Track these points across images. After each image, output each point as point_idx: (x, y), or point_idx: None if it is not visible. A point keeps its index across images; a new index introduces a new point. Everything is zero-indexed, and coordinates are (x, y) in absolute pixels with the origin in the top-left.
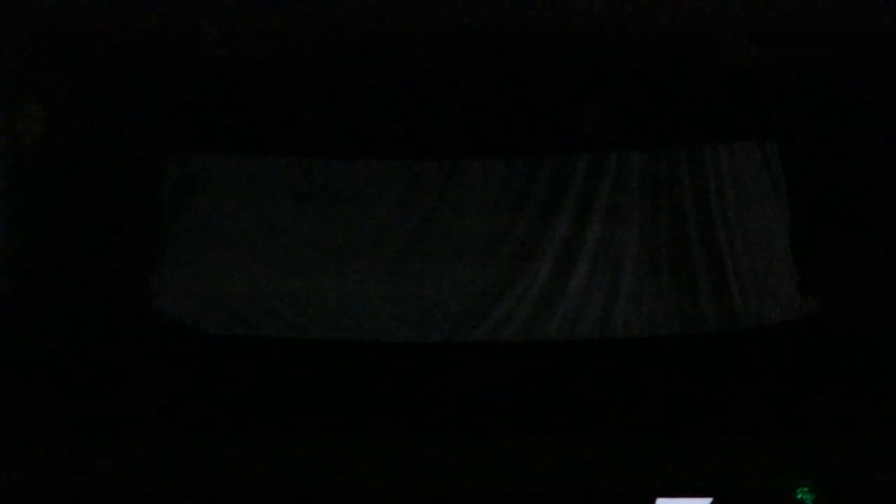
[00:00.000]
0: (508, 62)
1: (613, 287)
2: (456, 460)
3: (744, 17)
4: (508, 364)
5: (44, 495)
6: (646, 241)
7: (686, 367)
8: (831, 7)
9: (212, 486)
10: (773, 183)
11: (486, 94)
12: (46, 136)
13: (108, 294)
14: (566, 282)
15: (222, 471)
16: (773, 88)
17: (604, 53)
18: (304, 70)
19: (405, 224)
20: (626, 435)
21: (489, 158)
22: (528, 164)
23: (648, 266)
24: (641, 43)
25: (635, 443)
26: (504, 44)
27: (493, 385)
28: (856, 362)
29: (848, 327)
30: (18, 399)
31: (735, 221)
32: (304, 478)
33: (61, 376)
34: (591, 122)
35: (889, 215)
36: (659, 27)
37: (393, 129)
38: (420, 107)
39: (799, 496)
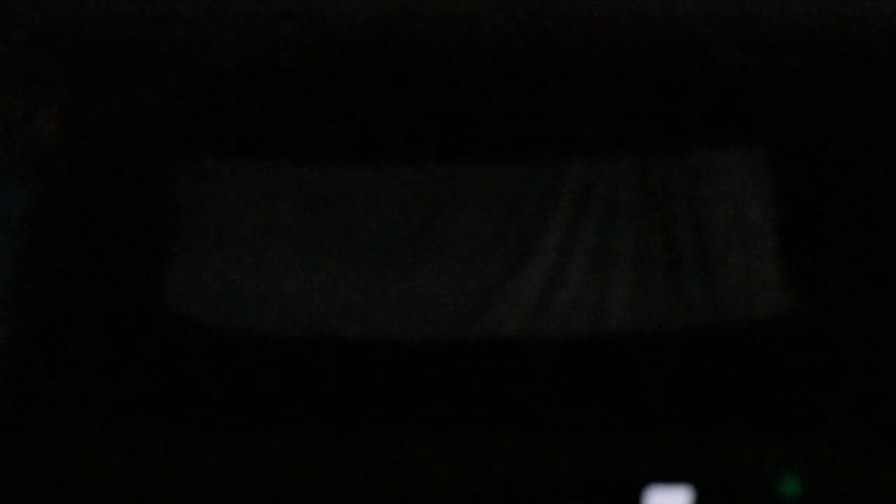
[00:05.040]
0: (506, 69)
1: (606, 286)
2: (448, 454)
3: (734, 23)
4: (502, 361)
5: (47, 492)
6: (638, 242)
7: (673, 362)
8: (820, 12)
9: (213, 484)
10: (761, 185)
11: (483, 102)
12: (61, 138)
13: (118, 291)
14: (560, 281)
15: (223, 469)
16: (762, 94)
17: (598, 60)
18: (309, 77)
19: (406, 225)
20: (615, 427)
21: (487, 162)
22: (525, 167)
23: (640, 265)
24: (635, 50)
25: (625, 434)
26: (501, 50)
27: (488, 381)
28: (841, 357)
29: (832, 324)
30: (24, 394)
31: (724, 222)
32: (303, 477)
33: (72, 371)
34: (585, 127)
35: (873, 216)
36: (651, 33)
37: (394, 134)
38: (420, 113)
39: (784, 487)
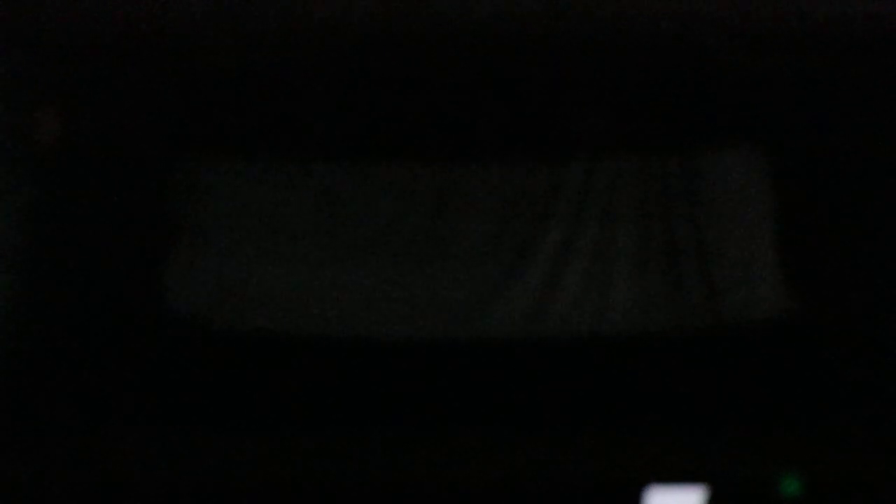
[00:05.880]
0: (505, 69)
1: (606, 286)
2: (448, 454)
3: (734, 23)
4: (502, 361)
5: (47, 492)
6: (638, 242)
7: (673, 363)
8: (820, 12)
9: (213, 484)
10: (761, 186)
11: (482, 103)
12: (61, 139)
13: (118, 291)
14: (560, 281)
15: (224, 469)
16: (762, 94)
17: (598, 60)
18: (307, 77)
19: (405, 225)
20: (614, 427)
21: (486, 162)
22: (525, 167)
23: (640, 266)
24: (635, 49)
25: (628, 434)
26: (501, 51)
27: (488, 381)
28: (841, 357)
29: (832, 324)
30: (24, 394)
31: (724, 223)
32: (303, 477)
33: (72, 371)
34: (585, 127)
35: (873, 216)
36: (651, 33)
37: (393, 134)
38: (420, 113)
39: (784, 486)
